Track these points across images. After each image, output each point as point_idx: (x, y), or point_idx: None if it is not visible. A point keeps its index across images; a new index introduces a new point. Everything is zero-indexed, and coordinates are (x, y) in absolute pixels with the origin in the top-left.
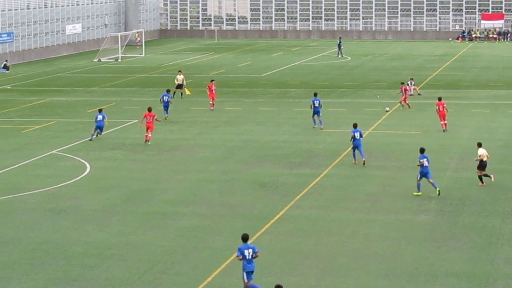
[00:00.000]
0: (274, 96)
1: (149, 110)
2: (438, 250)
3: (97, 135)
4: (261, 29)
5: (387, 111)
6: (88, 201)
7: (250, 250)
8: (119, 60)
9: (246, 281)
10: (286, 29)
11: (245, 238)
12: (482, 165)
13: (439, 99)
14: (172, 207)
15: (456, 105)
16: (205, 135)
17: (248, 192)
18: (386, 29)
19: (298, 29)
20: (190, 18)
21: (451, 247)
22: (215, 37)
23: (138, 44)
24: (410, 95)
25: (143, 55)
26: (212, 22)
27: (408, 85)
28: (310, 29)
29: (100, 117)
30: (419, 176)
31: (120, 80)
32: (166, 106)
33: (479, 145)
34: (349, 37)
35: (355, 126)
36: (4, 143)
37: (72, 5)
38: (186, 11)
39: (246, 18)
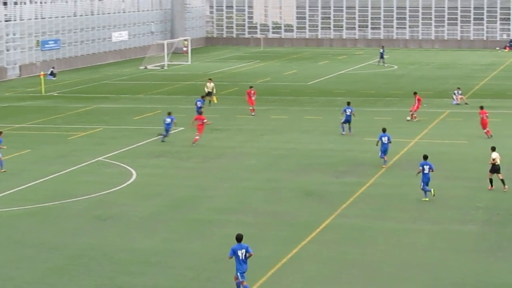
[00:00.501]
0: (320, 105)
1: (200, 113)
2: (485, 261)
3: (161, 136)
4: (307, 37)
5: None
6: (134, 208)
7: (243, 250)
8: (165, 68)
9: (240, 279)
10: (332, 37)
11: (239, 238)
12: (494, 169)
13: (481, 108)
14: (218, 215)
15: (503, 114)
16: (251, 143)
17: (293, 201)
18: (432, 38)
19: (344, 37)
20: (236, 26)
21: (499, 258)
22: (261, 45)
23: (186, 51)
24: (457, 104)
25: (189, 62)
26: (258, 30)
27: (455, 94)
28: (356, 37)
29: (168, 120)
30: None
31: (165, 87)
32: (198, 112)
33: (493, 149)
34: (395, 45)
35: (384, 130)
36: (51, 150)
37: (118, 13)
38: (232, 19)
39: (292, 26)
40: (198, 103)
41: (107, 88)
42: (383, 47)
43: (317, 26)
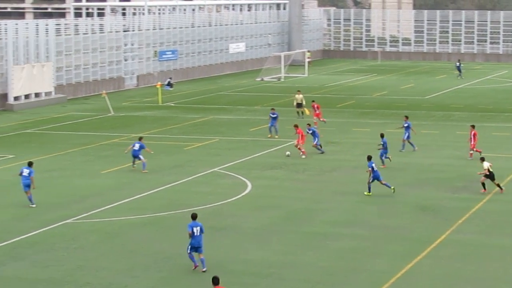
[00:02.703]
0: (437, 119)
1: (296, 126)
2: None
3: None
4: (424, 51)
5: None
6: (248, 219)
7: (198, 228)
8: (282, 80)
9: (188, 251)
10: (450, 51)
11: (193, 217)
12: (489, 176)
13: None
14: (332, 228)
15: None
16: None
17: (408, 215)
18: None
19: (462, 52)
20: (354, 39)
21: None
22: (378, 59)
23: (310, 63)
24: None
25: (306, 75)
26: (376, 43)
27: None
28: (475, 52)
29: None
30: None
31: (282, 99)
32: (272, 124)
33: (482, 159)
34: None
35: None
36: (167, 160)
37: (236, 24)
38: (350, 31)
39: (409, 40)
40: (272, 115)
41: (224, 99)
42: (459, 60)
43: (435, 40)
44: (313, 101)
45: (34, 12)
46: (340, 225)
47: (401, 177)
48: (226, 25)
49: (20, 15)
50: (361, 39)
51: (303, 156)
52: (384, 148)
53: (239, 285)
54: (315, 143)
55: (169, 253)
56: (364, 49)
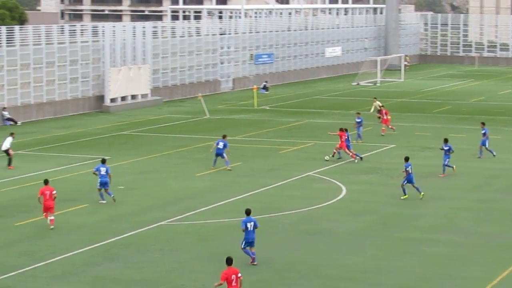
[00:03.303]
0: None
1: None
2: None
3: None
4: None
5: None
6: (342, 224)
7: (252, 223)
8: (378, 84)
9: (242, 246)
10: None
11: (247, 212)
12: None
13: None
14: (427, 234)
15: None
16: (462, 163)
17: (505, 222)
18: None
19: None
20: (451, 44)
21: None
22: (475, 64)
23: (408, 68)
24: None
25: (402, 79)
26: (473, 48)
27: None
28: None
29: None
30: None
31: None
32: (358, 129)
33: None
34: None
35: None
36: (262, 163)
37: (332, 28)
38: (447, 36)
39: (507, 46)
40: (357, 119)
41: (319, 103)
42: None
43: None
44: (382, 106)
45: (131, 14)
46: (435, 231)
47: (497, 183)
48: (323, 29)
49: (117, 17)
50: (458, 44)
51: (355, 161)
52: (448, 152)
53: None
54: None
55: (263, 256)
56: (461, 54)
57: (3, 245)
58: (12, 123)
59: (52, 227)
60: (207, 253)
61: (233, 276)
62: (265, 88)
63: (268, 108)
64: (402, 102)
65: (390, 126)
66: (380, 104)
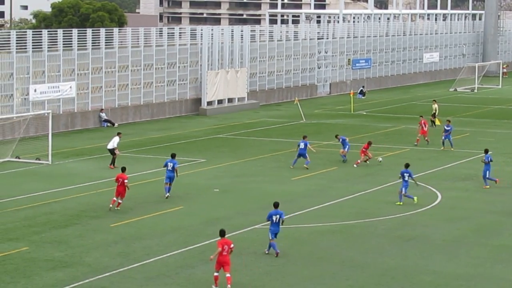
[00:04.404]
0: None
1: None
2: None
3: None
4: None
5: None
6: (437, 230)
7: (278, 216)
8: (475, 91)
9: (270, 237)
10: None
11: (275, 205)
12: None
13: None
14: None
15: None
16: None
17: None
18: None
19: None
20: None
21: None
22: None
23: (506, 74)
24: None
25: (500, 86)
26: None
27: None
28: None
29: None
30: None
31: (474, 110)
32: (448, 137)
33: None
34: None
35: (486, 151)
36: (358, 169)
37: (430, 34)
38: None
39: None
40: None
41: (416, 109)
42: None
43: None
44: (421, 116)
45: (229, 18)
46: None
47: None
48: (421, 34)
49: (216, 21)
50: None
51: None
52: (487, 162)
53: None
54: (345, 150)
55: (357, 262)
56: None
57: (99, 245)
58: (109, 124)
59: (111, 206)
60: (301, 257)
61: (226, 246)
62: (362, 93)
63: (364, 113)
64: (499, 109)
65: (426, 138)
66: (436, 108)
